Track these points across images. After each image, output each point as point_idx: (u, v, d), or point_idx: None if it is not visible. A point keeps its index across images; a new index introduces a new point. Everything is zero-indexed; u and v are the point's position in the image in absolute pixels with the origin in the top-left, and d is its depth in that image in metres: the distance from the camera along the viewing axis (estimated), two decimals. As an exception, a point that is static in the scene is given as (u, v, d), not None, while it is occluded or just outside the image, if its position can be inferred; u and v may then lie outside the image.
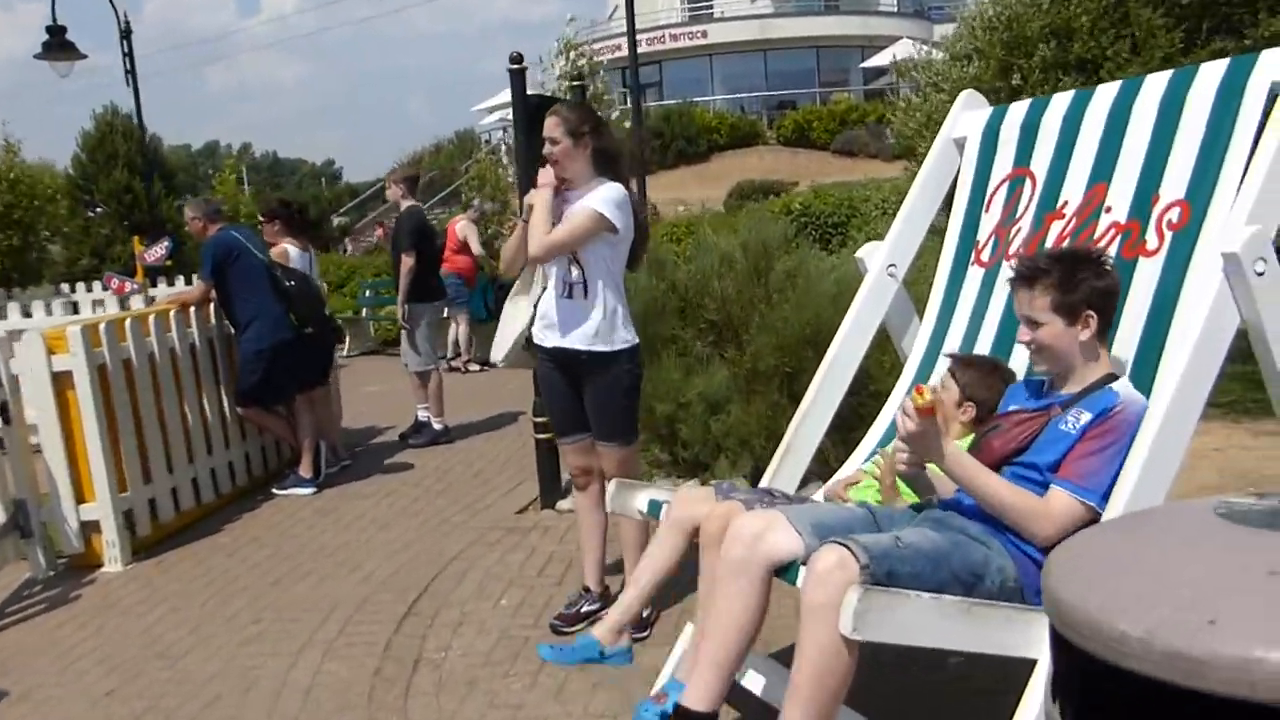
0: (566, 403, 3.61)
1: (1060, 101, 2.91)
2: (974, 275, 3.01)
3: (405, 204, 6.43)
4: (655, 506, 2.83)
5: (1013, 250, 2.87)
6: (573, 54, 13.18)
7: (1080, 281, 2.27)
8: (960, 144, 3.24)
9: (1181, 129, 2.51)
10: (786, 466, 3.02)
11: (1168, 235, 2.44)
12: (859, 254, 3.29)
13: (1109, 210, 2.61)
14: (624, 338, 3.52)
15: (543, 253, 3.37)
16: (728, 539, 2.28)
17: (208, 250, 5.55)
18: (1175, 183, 2.47)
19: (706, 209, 10.11)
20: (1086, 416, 2.23)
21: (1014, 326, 2.72)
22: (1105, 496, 2.16)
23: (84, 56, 11.87)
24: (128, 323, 4.97)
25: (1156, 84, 2.62)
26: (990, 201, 3.02)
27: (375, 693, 3.31)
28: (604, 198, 3.38)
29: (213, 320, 5.73)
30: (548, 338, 3.54)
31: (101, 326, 4.78)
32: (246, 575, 4.52)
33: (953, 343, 3.00)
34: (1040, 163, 2.90)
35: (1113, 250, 2.55)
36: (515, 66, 4.96)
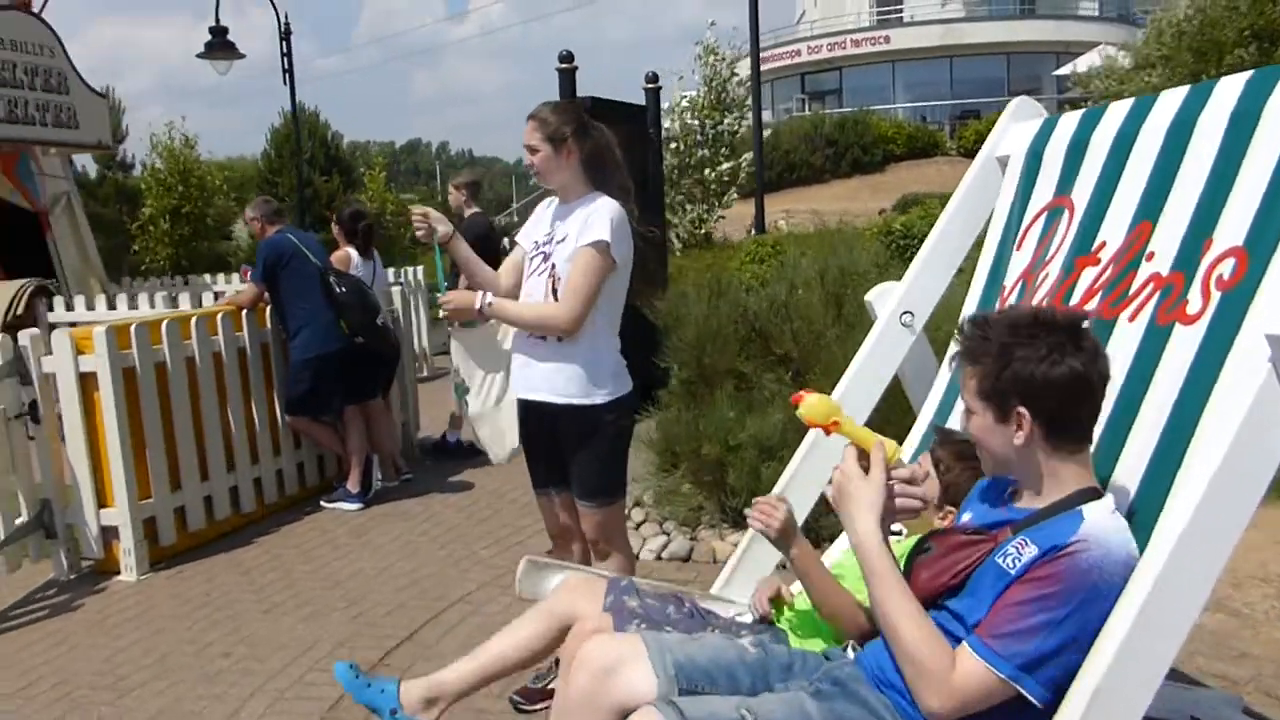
0: (544, 453, 3.15)
1: (1116, 112, 2.24)
2: (995, 330, 2.36)
3: (468, 211, 6.13)
4: (566, 594, 2.33)
5: (1038, 300, 2.22)
6: (712, 59, 12.70)
7: (1009, 363, 1.64)
8: (1004, 164, 2.60)
9: (1252, 150, 1.82)
10: (743, 573, 2.47)
11: (1215, 296, 1.76)
12: (868, 296, 2.70)
13: (1150, 257, 1.94)
14: (610, 388, 3.01)
15: (575, 323, 2.88)
16: (576, 663, 1.77)
17: (260, 252, 5.39)
18: (1235, 223, 1.79)
19: (844, 223, 9.38)
20: (1032, 551, 1.60)
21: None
22: (1030, 669, 1.53)
23: (242, 56, 12.27)
24: (164, 325, 4.84)
25: (1229, 90, 1.93)
26: (1023, 238, 2.38)
27: (290, 764, 2.95)
28: (601, 225, 2.86)
29: (268, 324, 5.57)
30: (519, 385, 3.10)
31: (132, 328, 4.66)
32: (245, 599, 4.28)
33: (957, 414, 2.36)
34: (1082, 191, 2.23)
35: (1146, 312, 1.89)
36: (564, 66, 4.56)
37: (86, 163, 21.12)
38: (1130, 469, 1.78)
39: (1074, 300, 2.08)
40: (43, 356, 4.53)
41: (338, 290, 5.38)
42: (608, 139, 3.03)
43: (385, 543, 5.00)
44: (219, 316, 5.22)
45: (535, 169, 3.01)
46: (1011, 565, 1.61)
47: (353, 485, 5.58)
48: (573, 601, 2.12)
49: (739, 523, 4.67)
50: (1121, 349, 1.90)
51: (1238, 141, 1.85)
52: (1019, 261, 2.36)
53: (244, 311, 5.39)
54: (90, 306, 7.80)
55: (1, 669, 3.71)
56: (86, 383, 4.53)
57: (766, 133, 25.55)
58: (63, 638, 3.97)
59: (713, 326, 4.80)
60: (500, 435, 3.39)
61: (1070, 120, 2.39)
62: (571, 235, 2.93)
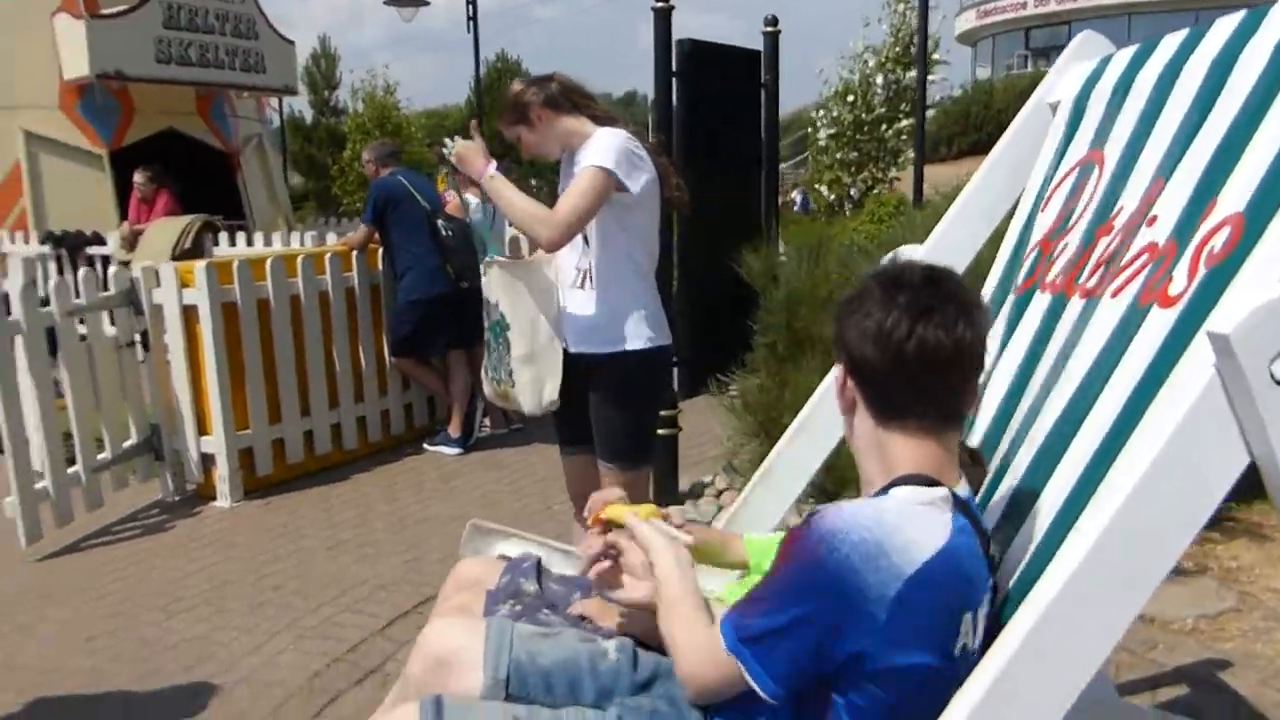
0: (573, 408, 2.99)
1: (1167, 46, 1.81)
2: (1009, 306, 1.99)
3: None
4: (504, 565, 2.15)
5: (1051, 276, 1.84)
6: (902, 7, 11.98)
7: (846, 318, 1.41)
8: (1056, 110, 2.19)
9: (1283, 93, 1.40)
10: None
11: (1201, 273, 1.37)
12: (885, 260, 2.35)
13: (1151, 222, 1.55)
14: (642, 338, 2.85)
15: (557, 232, 2.70)
16: (414, 649, 1.61)
17: (371, 194, 5.44)
18: (1241, 184, 1.38)
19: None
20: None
21: (1021, 391, 1.75)
22: (751, 643, 1.27)
23: (426, 3, 12.56)
24: (269, 262, 4.96)
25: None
26: (1050, 198, 1.99)
27: (282, 709, 2.94)
28: (600, 146, 2.72)
29: (379, 266, 5.63)
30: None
31: (235, 264, 4.79)
32: (318, 535, 4.36)
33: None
34: (1116, 143, 1.83)
35: (1132, 289, 1.51)
36: (659, 4, 4.30)
37: (304, 108, 22.41)
38: (1064, 480, 1.43)
39: (1083, 279, 1.70)
40: (153, 289, 4.74)
41: (445, 234, 5.37)
42: (556, 76, 2.87)
43: (469, 490, 4.99)
44: (326, 256, 5.31)
45: (533, 152, 2.92)
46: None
47: (454, 430, 5.60)
48: (458, 590, 1.93)
49: (821, 499, 4.37)
50: (1094, 334, 1.54)
51: (1274, 80, 1.44)
52: (1041, 226, 1.97)
53: (354, 252, 5.47)
54: (250, 243, 8.19)
55: (82, 580, 3.92)
56: (189, 315, 4.71)
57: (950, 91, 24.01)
58: (144, 556, 4.16)
59: (813, 285, 4.47)
60: (540, 383, 3.19)
61: (1123, 57, 1.97)
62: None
